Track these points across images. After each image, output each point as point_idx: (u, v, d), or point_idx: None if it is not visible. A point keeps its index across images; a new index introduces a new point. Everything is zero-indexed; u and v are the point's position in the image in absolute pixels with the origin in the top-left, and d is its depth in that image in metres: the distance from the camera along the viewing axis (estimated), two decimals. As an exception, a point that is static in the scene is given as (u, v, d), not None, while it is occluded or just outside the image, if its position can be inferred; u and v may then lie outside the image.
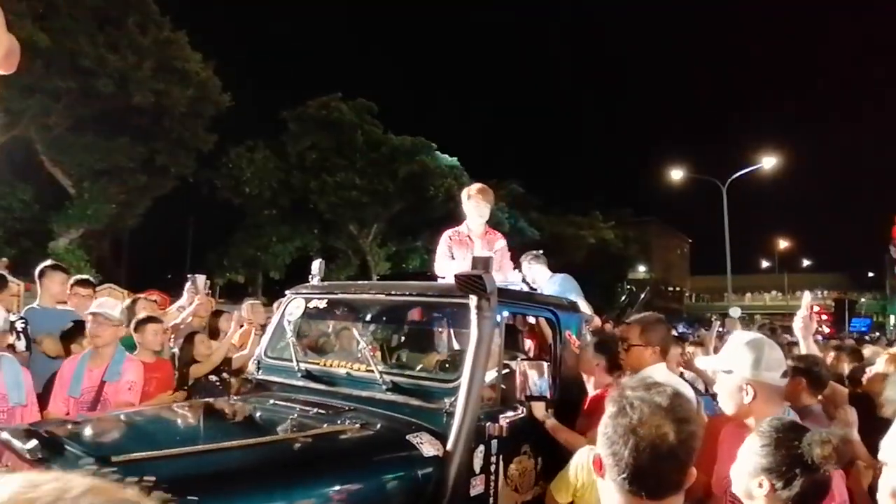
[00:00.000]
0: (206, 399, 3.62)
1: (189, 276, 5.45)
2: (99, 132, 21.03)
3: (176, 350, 4.75)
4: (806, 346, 2.87)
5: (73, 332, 3.96)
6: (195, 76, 21.96)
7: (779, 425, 1.70)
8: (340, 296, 3.58)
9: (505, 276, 4.10)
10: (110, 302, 3.74)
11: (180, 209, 28.55)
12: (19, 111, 19.26)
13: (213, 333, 5.18)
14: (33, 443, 2.20)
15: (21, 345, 4.39)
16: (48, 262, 4.74)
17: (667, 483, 1.31)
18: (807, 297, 2.88)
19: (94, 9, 19.63)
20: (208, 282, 5.77)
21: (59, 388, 3.47)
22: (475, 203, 4.20)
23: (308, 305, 3.55)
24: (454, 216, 4.37)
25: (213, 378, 4.44)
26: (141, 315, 4.25)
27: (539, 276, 4.78)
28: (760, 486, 1.63)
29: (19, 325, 4.51)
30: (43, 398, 3.54)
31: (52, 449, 2.16)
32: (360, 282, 3.96)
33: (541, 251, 5.00)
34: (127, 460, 2.00)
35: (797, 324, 2.87)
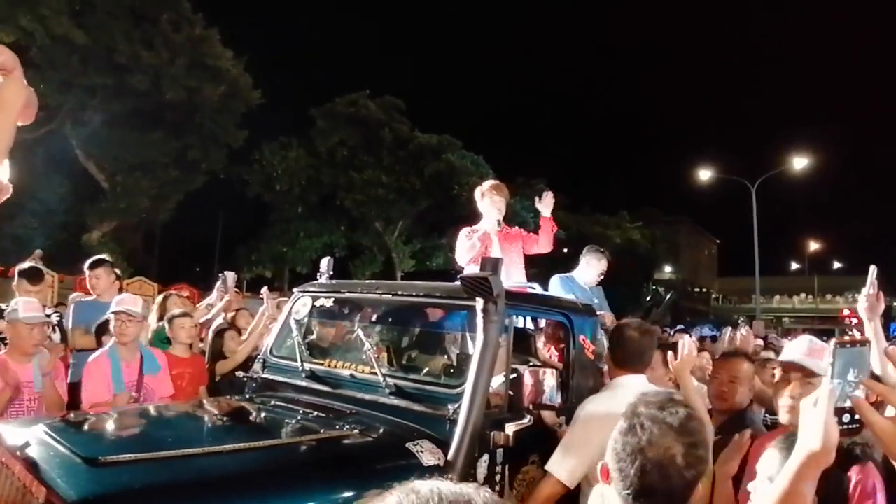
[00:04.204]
0: (211, 398, 3.60)
1: (221, 274, 5.48)
2: (133, 127, 21.47)
3: (205, 346, 4.79)
4: (872, 329, 2.49)
5: (105, 326, 3.99)
6: (226, 73, 22.28)
7: (796, 436, 1.65)
8: (347, 295, 3.51)
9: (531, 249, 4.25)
10: (130, 298, 3.80)
11: (211, 204, 28.96)
12: (55, 106, 19.74)
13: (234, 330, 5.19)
14: (24, 440, 2.17)
15: (56, 337, 4.48)
16: (91, 259, 4.82)
17: (670, 501, 1.35)
18: (873, 272, 2.49)
19: (129, 6, 20.00)
20: (236, 277, 5.80)
21: (93, 385, 3.46)
22: (490, 200, 4.16)
23: (315, 304, 3.49)
24: (479, 214, 4.34)
25: (240, 374, 4.46)
26: (174, 311, 4.38)
27: (584, 275, 4.68)
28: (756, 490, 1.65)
29: (54, 319, 4.60)
30: (78, 388, 3.61)
31: (42, 446, 2.14)
32: (367, 281, 3.90)
33: (602, 251, 4.87)
34: (115, 461, 1.96)
35: (861, 304, 2.51)
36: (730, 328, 5.05)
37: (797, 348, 2.39)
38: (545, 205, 4.36)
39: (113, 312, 3.57)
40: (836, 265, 62.93)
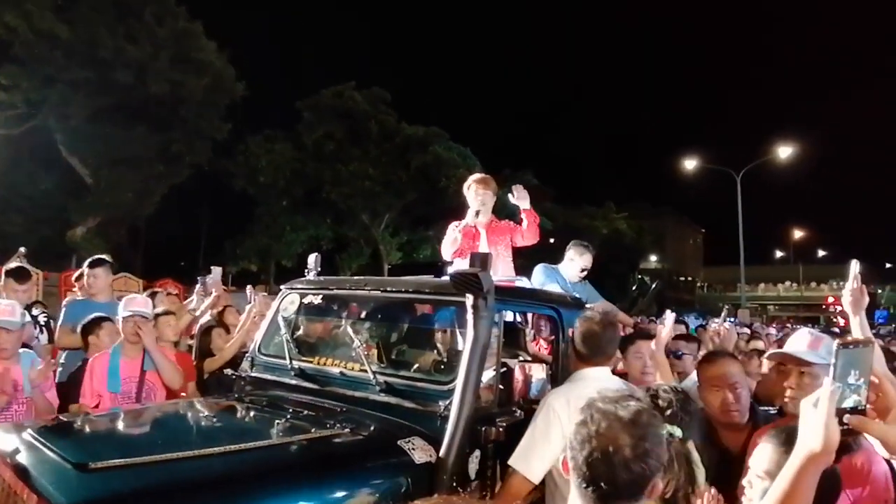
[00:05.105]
0: (200, 398, 3.59)
1: (199, 277, 5.45)
2: (117, 122, 21.25)
3: (192, 343, 4.77)
4: (857, 323, 2.43)
5: (92, 326, 3.94)
6: (210, 65, 22.04)
7: (790, 430, 1.66)
8: (336, 291, 3.50)
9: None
10: (142, 300, 3.82)
11: (195, 198, 28.75)
12: (39, 101, 19.50)
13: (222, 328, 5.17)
14: (13, 445, 2.15)
15: (43, 338, 4.43)
16: (92, 258, 4.75)
17: (619, 492, 1.38)
18: (855, 266, 2.45)
19: (113, 0, 19.73)
20: (220, 271, 5.76)
21: (90, 383, 3.47)
22: (473, 193, 4.22)
23: (303, 301, 3.48)
24: (466, 206, 4.37)
25: (228, 371, 4.44)
26: (158, 309, 4.33)
27: (567, 270, 4.66)
28: (750, 485, 1.72)
29: (42, 319, 4.53)
30: (69, 389, 3.61)
31: (32, 452, 2.12)
32: (356, 277, 3.90)
33: (586, 245, 4.83)
34: (106, 466, 1.95)
35: (846, 298, 2.46)
36: (717, 319, 4.94)
37: (800, 342, 2.38)
38: (521, 197, 4.36)
39: (125, 316, 3.57)
40: (821, 253, 63.74)
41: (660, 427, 1.47)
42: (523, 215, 4.37)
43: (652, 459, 1.38)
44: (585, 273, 4.65)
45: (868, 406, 1.34)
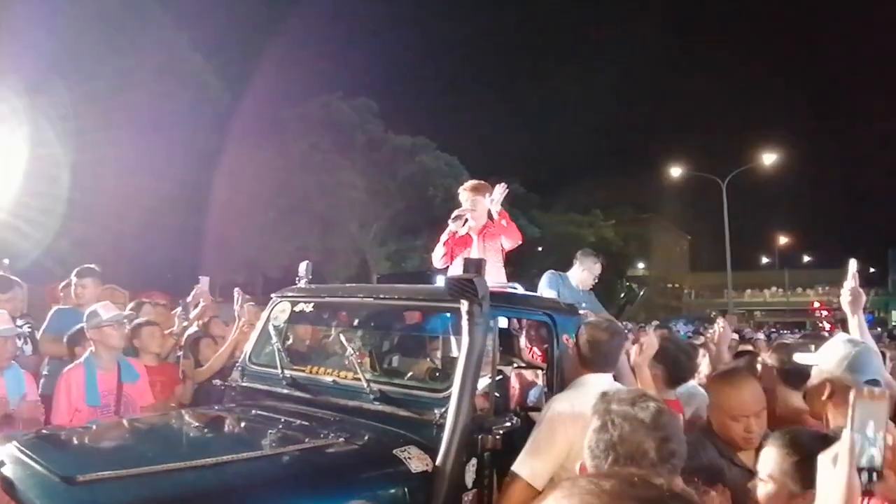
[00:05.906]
0: (190, 409, 3.52)
1: (181, 301, 5.40)
2: (99, 132, 21.00)
3: (180, 354, 4.69)
4: (855, 323, 2.43)
5: (78, 336, 3.85)
6: (195, 76, 21.95)
7: (794, 432, 1.71)
8: (328, 299, 3.46)
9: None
10: (111, 306, 3.71)
11: (181, 209, 28.48)
12: (19, 111, 19.28)
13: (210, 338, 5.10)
14: (-1, 458, 2.09)
15: (28, 349, 4.34)
16: (80, 268, 4.66)
17: None
18: (853, 265, 2.48)
19: (96, 10, 19.62)
20: (208, 281, 5.68)
21: (67, 398, 3.35)
22: (464, 198, 4.22)
23: (294, 309, 3.43)
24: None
25: (217, 382, 4.37)
26: (139, 320, 4.25)
27: (577, 276, 4.77)
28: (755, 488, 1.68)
29: (26, 330, 4.45)
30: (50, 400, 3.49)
31: (17, 465, 2.06)
32: (347, 285, 3.85)
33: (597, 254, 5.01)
34: (94, 479, 1.89)
35: (845, 297, 2.47)
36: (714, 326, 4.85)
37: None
38: (496, 199, 4.31)
39: (106, 323, 3.47)
40: (806, 259, 64.38)
41: (679, 425, 1.45)
42: (499, 218, 4.33)
43: (676, 459, 1.39)
44: (595, 281, 4.83)
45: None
